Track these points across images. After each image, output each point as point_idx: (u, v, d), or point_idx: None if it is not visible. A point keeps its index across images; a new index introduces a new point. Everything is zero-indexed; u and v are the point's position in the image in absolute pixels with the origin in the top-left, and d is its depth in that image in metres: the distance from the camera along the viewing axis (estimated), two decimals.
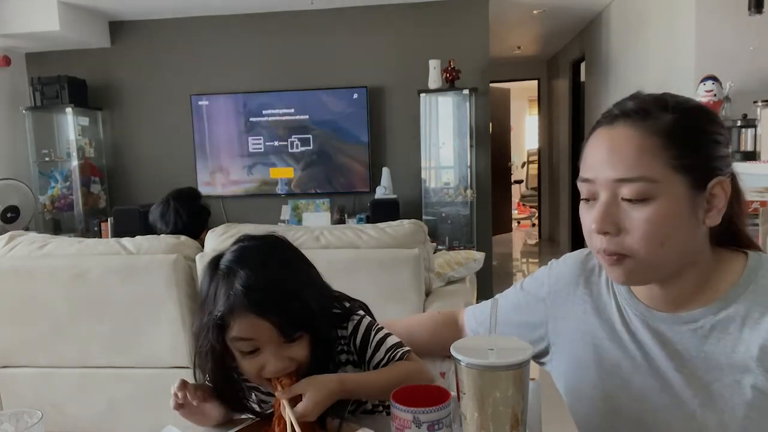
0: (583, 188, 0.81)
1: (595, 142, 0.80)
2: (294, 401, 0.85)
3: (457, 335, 1.09)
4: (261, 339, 0.89)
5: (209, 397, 0.95)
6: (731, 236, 0.84)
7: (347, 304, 1.03)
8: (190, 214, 2.42)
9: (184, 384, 0.93)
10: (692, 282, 0.80)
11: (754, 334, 0.76)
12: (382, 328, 1.02)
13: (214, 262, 0.94)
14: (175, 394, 0.92)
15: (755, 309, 0.77)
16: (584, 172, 0.80)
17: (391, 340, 1.00)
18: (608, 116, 0.80)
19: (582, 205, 0.82)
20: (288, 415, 0.83)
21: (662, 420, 0.81)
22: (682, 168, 0.75)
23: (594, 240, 0.80)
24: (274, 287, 0.90)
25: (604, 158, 0.77)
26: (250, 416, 1.00)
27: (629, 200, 0.76)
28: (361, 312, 1.03)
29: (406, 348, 0.99)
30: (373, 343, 0.99)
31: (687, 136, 0.76)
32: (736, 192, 0.81)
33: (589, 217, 0.80)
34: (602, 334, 0.88)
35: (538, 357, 1.00)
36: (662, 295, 0.82)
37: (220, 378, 0.96)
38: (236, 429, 0.90)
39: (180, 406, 0.93)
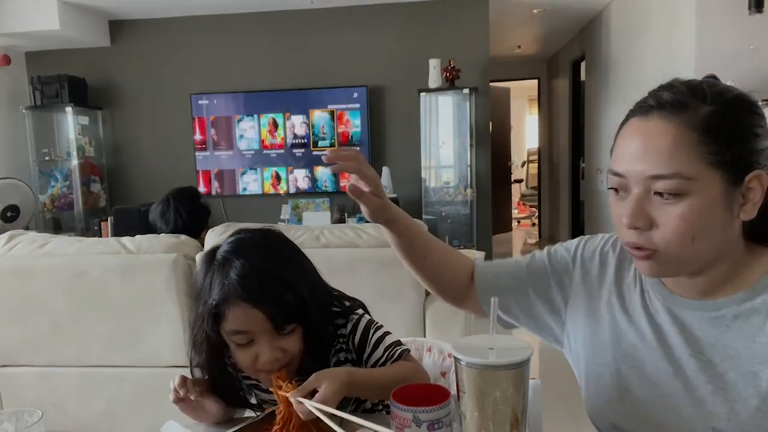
0: (613, 180, 0.79)
1: (629, 134, 0.78)
2: (308, 397, 0.85)
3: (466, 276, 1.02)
4: (254, 329, 0.90)
5: (208, 392, 0.96)
6: (766, 230, 0.81)
7: (347, 303, 1.04)
8: (190, 214, 2.42)
9: (183, 379, 0.94)
10: (722, 273, 0.79)
11: None
12: (381, 326, 1.02)
13: (211, 253, 0.95)
14: (175, 390, 0.93)
15: None
16: (616, 165, 0.78)
17: (390, 339, 1.00)
18: (643, 107, 0.77)
19: (612, 196, 0.80)
20: (308, 405, 0.82)
21: (672, 404, 0.81)
22: (719, 164, 0.72)
23: (623, 233, 0.79)
24: (269, 277, 0.91)
25: (638, 152, 0.75)
26: (250, 415, 1.00)
27: (662, 195, 0.74)
28: (360, 311, 1.04)
29: (405, 347, 1.00)
30: (372, 342, 0.99)
31: (725, 130, 0.72)
32: None
33: (619, 209, 0.78)
34: (621, 315, 0.88)
35: (554, 330, 0.96)
36: (690, 283, 0.81)
37: (215, 369, 0.96)
38: (236, 428, 0.90)
39: (179, 400, 0.94)
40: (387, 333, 1.01)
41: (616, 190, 0.79)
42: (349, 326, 1.01)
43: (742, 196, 0.74)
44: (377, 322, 1.03)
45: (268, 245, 0.98)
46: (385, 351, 0.98)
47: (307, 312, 0.92)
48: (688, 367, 0.80)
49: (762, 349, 0.75)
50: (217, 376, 0.97)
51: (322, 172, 4.80)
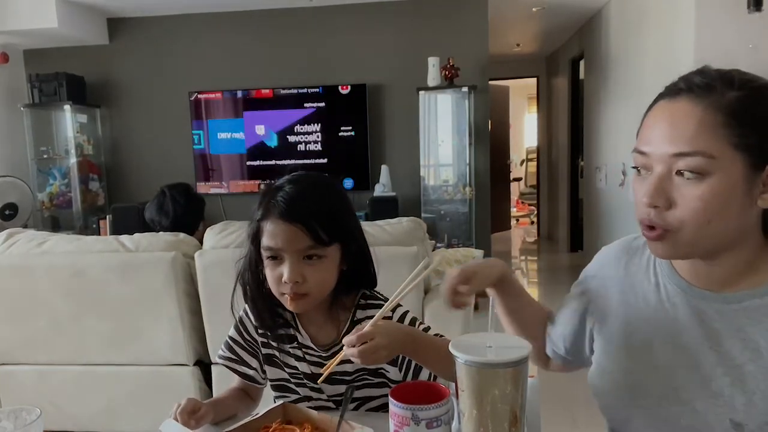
0: (637, 159, 0.81)
1: (656, 115, 0.79)
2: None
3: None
4: (284, 247, 0.95)
5: (203, 417, 0.97)
6: None
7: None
8: (187, 201, 2.44)
9: (184, 416, 0.95)
10: (739, 263, 0.80)
11: None
12: (422, 322, 1.05)
13: (269, 184, 1.03)
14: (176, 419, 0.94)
15: None
16: (641, 144, 0.80)
17: (434, 331, 1.02)
18: (672, 89, 0.79)
19: (635, 175, 0.82)
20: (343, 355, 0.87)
21: (686, 397, 0.81)
22: (743, 147, 0.73)
23: (641, 211, 0.80)
24: (309, 200, 0.97)
25: (663, 132, 0.77)
26: (250, 415, 1.00)
27: (683, 175, 0.75)
28: (404, 307, 1.06)
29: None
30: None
31: (751, 115, 0.74)
32: None
33: (641, 189, 0.80)
34: (635, 312, 0.89)
35: (585, 347, 0.99)
36: (707, 273, 0.82)
37: (255, 290, 1.03)
38: (235, 426, 0.90)
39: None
40: (429, 327, 1.04)
41: (638, 170, 0.81)
42: (396, 316, 1.02)
43: (763, 184, 0.75)
44: (420, 320, 1.06)
45: (321, 180, 1.05)
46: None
47: (341, 244, 0.98)
48: (705, 360, 0.80)
49: None
50: (257, 300, 1.03)
51: (322, 170, 4.80)
